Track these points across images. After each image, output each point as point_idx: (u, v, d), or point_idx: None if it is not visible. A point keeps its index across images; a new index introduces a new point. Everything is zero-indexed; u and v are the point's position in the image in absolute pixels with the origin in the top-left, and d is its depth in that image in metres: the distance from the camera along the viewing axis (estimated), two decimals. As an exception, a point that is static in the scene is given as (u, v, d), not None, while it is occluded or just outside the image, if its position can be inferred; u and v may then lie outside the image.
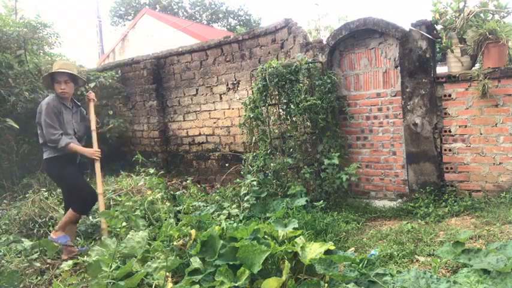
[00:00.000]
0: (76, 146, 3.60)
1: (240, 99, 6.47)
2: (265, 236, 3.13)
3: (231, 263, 2.67)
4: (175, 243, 3.21)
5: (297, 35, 5.45)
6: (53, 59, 8.13)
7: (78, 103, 3.94)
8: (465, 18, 4.38)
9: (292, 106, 4.84)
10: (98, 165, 3.77)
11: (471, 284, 2.30)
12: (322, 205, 4.32)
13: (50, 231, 4.24)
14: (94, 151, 3.71)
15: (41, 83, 4.01)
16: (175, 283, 2.82)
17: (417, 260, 3.13)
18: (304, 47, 5.25)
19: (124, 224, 3.62)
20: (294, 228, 3.18)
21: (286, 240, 3.10)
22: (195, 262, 2.80)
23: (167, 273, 2.75)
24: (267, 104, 4.89)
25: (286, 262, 2.65)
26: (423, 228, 3.76)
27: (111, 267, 2.66)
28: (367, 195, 5.08)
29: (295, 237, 3.13)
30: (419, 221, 4.05)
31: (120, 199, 4.86)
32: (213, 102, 6.98)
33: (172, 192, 5.16)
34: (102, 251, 2.96)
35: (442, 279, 2.50)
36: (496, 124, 4.20)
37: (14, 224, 4.43)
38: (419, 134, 4.56)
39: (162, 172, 6.28)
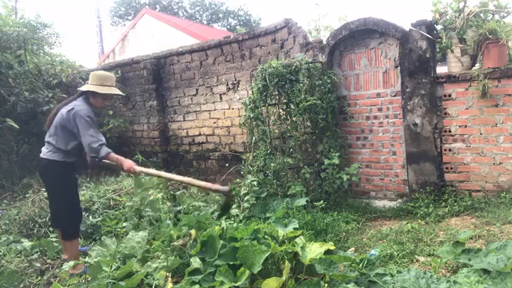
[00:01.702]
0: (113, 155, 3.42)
1: (240, 99, 6.47)
2: (265, 236, 3.13)
3: (231, 263, 2.67)
4: (175, 243, 3.21)
5: (297, 35, 5.45)
6: (52, 59, 8.14)
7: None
8: (465, 18, 4.38)
9: (292, 106, 4.84)
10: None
11: (471, 284, 2.31)
12: (322, 205, 4.32)
13: (50, 231, 4.25)
14: (131, 164, 3.40)
15: (75, 91, 3.84)
16: (175, 283, 2.83)
17: (417, 260, 3.13)
18: (304, 47, 5.25)
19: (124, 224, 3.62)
20: (295, 229, 3.18)
21: (286, 241, 3.10)
22: (195, 262, 2.80)
23: (167, 274, 2.75)
24: (267, 104, 4.89)
25: (287, 262, 2.65)
26: (423, 228, 3.76)
27: (111, 267, 2.66)
28: (367, 195, 5.08)
29: (296, 237, 3.13)
30: (419, 221, 4.05)
31: (120, 199, 4.87)
32: (213, 102, 6.98)
33: (172, 192, 5.15)
34: (102, 251, 2.96)
35: (442, 279, 2.50)
36: (496, 124, 4.20)
37: (14, 224, 4.43)
38: (419, 134, 4.56)
39: (162, 172, 6.27)
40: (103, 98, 3.59)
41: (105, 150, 3.31)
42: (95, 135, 3.31)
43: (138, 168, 3.35)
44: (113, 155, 3.36)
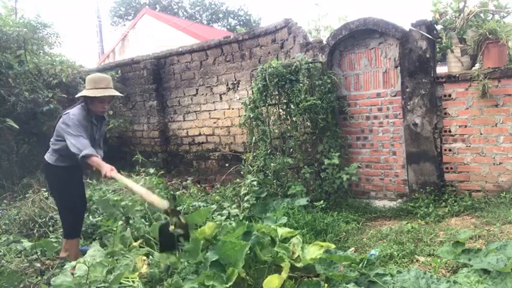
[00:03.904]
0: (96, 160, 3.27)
1: (240, 99, 6.47)
2: (262, 235, 3.10)
3: (216, 258, 2.64)
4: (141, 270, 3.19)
5: (297, 35, 5.45)
6: (52, 59, 8.14)
7: (104, 116, 3.66)
8: (465, 18, 4.38)
9: (292, 106, 4.84)
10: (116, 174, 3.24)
11: (471, 284, 2.30)
12: (322, 205, 4.31)
13: (50, 231, 4.25)
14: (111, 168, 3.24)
15: (76, 97, 3.64)
16: None
17: (417, 260, 3.13)
18: (304, 47, 5.25)
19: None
20: (285, 225, 3.20)
21: (284, 240, 3.08)
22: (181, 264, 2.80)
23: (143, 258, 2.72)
24: (267, 104, 4.89)
25: (286, 261, 2.64)
26: (423, 228, 3.76)
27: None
28: (367, 195, 5.08)
29: (292, 237, 3.11)
30: (419, 221, 4.05)
31: (119, 199, 4.86)
32: (213, 102, 6.98)
33: (172, 192, 5.15)
34: (99, 251, 2.96)
35: (442, 279, 2.49)
36: (496, 124, 4.20)
37: (14, 224, 4.42)
38: (419, 134, 4.56)
39: (162, 172, 6.28)
40: (99, 102, 3.44)
41: (83, 157, 3.16)
42: (75, 143, 3.21)
43: (114, 174, 3.12)
44: (94, 159, 3.20)
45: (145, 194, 2.93)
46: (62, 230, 3.77)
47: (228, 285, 2.42)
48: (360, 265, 2.72)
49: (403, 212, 4.47)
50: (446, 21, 4.54)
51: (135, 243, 3.28)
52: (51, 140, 3.52)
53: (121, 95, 3.66)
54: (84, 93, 3.43)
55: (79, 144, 3.18)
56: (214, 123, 7.03)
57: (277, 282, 2.43)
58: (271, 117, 5.03)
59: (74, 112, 3.37)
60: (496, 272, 2.51)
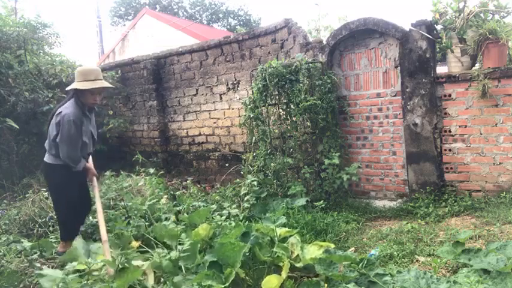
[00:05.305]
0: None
1: (240, 99, 6.47)
2: (262, 236, 3.11)
3: (214, 259, 2.66)
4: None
5: (297, 35, 5.45)
6: (52, 59, 8.14)
7: (95, 107, 3.70)
8: (465, 18, 4.38)
9: (292, 106, 4.84)
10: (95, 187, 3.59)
11: (471, 284, 2.30)
12: (322, 205, 4.31)
13: (50, 231, 4.25)
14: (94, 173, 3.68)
15: (66, 90, 3.70)
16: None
17: (417, 260, 3.13)
18: (304, 47, 5.25)
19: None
20: (284, 225, 3.20)
21: (280, 240, 3.09)
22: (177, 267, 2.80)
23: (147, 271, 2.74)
24: (267, 104, 4.89)
25: (286, 261, 2.65)
26: (423, 228, 3.76)
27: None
28: (367, 195, 5.08)
29: (291, 236, 3.12)
30: (419, 221, 4.05)
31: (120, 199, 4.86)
32: (213, 102, 6.98)
33: (172, 192, 5.15)
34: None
35: (442, 279, 2.50)
36: (496, 124, 4.20)
37: (14, 224, 4.42)
38: (419, 134, 4.56)
39: (162, 172, 6.28)
40: (91, 94, 3.42)
41: (82, 163, 3.49)
42: (67, 155, 3.35)
43: (94, 183, 3.61)
44: (84, 165, 3.58)
45: (103, 229, 3.12)
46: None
47: (225, 286, 2.42)
48: (360, 265, 2.72)
49: (403, 212, 4.47)
50: (446, 21, 4.55)
51: (134, 243, 3.28)
52: (47, 142, 3.49)
53: (112, 86, 3.67)
54: (74, 85, 3.40)
55: (70, 158, 3.38)
56: (214, 123, 7.03)
57: (276, 282, 2.43)
58: (271, 117, 5.03)
59: (68, 112, 3.32)
60: (496, 272, 2.51)
